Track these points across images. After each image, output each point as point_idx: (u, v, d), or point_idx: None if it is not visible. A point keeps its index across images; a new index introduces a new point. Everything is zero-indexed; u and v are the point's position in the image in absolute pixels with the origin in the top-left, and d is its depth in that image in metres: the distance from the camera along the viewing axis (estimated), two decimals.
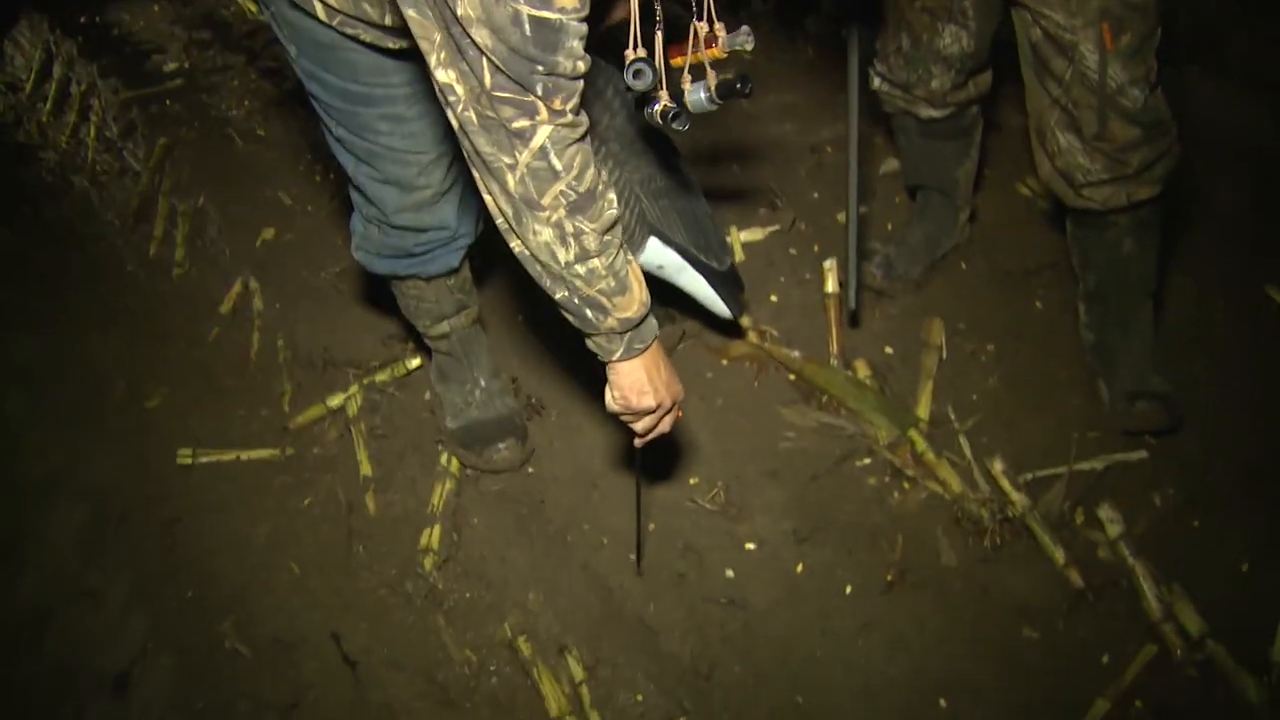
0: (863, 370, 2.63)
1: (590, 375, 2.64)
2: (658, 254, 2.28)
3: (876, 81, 2.60)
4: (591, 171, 1.52)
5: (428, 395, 2.70)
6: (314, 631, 2.33)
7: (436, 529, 2.45)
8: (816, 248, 2.94)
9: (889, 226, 2.98)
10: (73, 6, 4.18)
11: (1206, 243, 2.85)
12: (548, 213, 1.52)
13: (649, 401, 1.77)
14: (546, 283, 1.66)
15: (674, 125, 1.70)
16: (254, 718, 2.21)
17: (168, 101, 3.75)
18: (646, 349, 1.75)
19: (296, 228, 3.22)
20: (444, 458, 2.58)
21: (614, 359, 1.74)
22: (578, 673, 2.21)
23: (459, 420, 2.56)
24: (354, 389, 2.73)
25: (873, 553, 2.34)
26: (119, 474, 2.65)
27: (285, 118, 3.60)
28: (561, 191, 1.50)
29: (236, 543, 2.50)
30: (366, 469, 2.59)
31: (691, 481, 2.48)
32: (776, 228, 3.00)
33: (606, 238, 1.59)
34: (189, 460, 2.64)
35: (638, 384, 1.77)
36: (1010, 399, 2.58)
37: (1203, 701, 2.09)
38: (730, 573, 2.33)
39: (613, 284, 1.63)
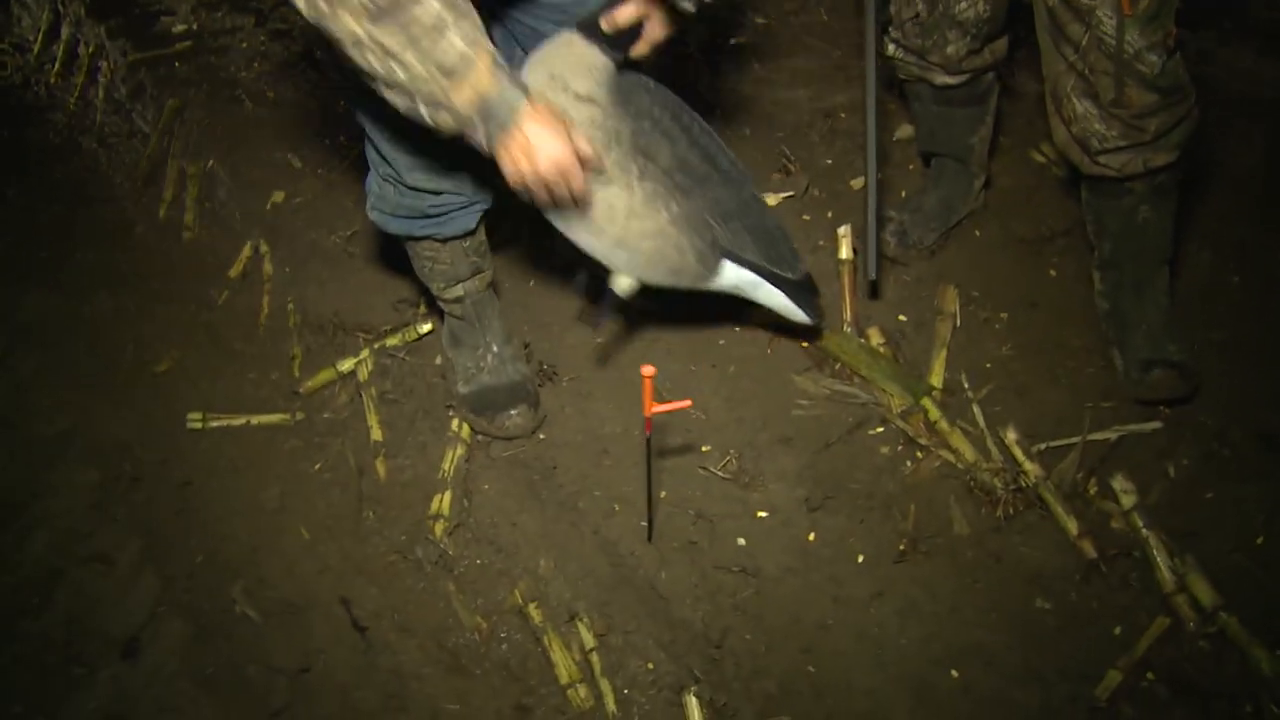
0: (876, 338, 2.62)
1: (604, 342, 2.64)
2: (733, 274, 2.25)
3: (891, 48, 2.57)
4: None
5: (439, 360, 2.69)
6: (324, 596, 2.33)
7: (447, 495, 2.44)
8: (830, 214, 2.92)
9: (903, 194, 2.95)
10: None
11: (1222, 210, 2.82)
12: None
13: (524, 168, 1.82)
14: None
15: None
16: (263, 681, 2.22)
17: (176, 63, 3.73)
18: (512, 126, 1.77)
19: (306, 190, 3.21)
20: (455, 423, 2.57)
21: (485, 148, 1.81)
22: (588, 640, 2.21)
23: (470, 385, 2.55)
24: (365, 353, 2.72)
25: (885, 521, 2.33)
26: (129, 436, 2.65)
27: (295, 80, 3.58)
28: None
29: (247, 507, 2.50)
30: (377, 434, 2.58)
31: (703, 449, 2.47)
32: (790, 193, 2.98)
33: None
34: (199, 424, 2.63)
35: (512, 161, 1.82)
36: (1024, 368, 2.56)
37: (1215, 673, 2.08)
38: (742, 540, 2.33)
39: (442, 80, 1.70)
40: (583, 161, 1.87)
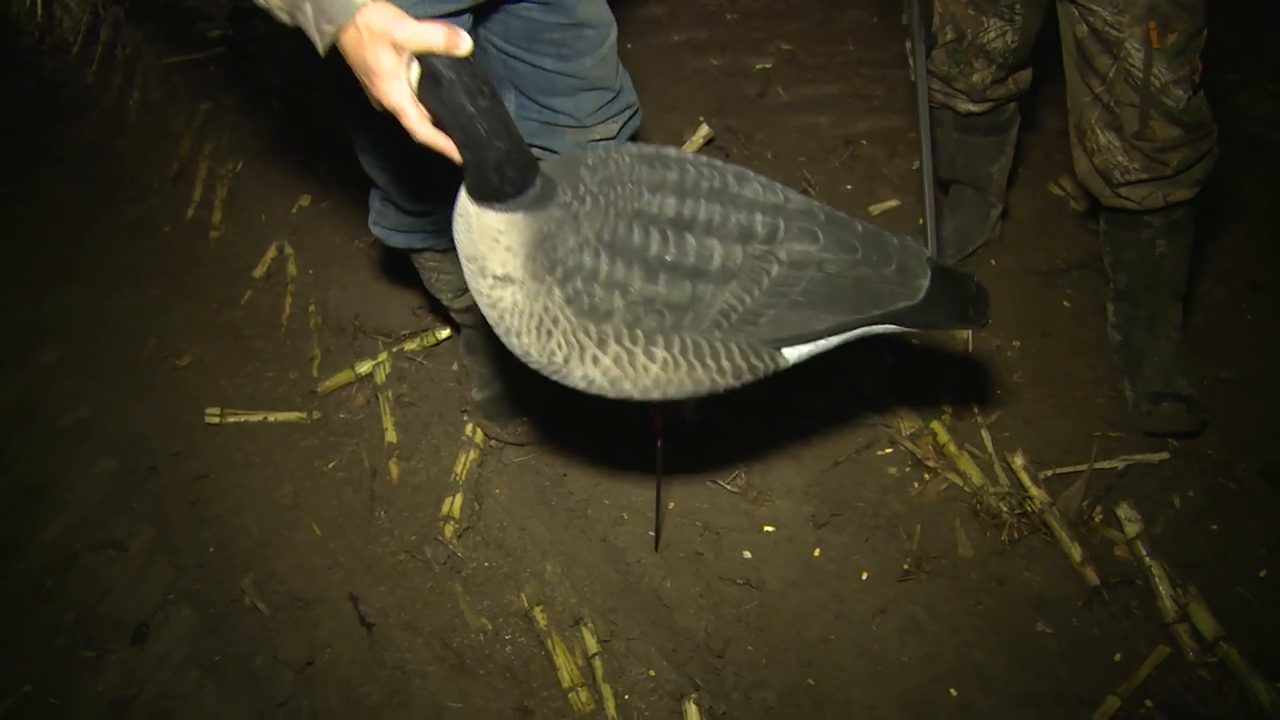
0: (887, 359, 2.64)
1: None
2: (807, 350, 1.71)
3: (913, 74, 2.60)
4: None
5: (455, 366, 2.73)
6: (333, 592, 2.36)
7: (458, 497, 2.47)
8: None
9: (920, 221, 2.97)
10: None
11: (1237, 250, 2.85)
12: None
13: (383, 88, 1.46)
14: None
15: None
16: (270, 673, 2.24)
17: (210, 68, 3.79)
18: (340, 29, 1.45)
19: (333, 195, 3.25)
20: (469, 428, 2.60)
21: (320, 47, 1.49)
22: (592, 645, 2.23)
23: (486, 391, 2.58)
24: (383, 356, 2.76)
25: (890, 541, 2.35)
26: (147, 429, 2.69)
27: (325, 87, 3.63)
28: None
29: (260, 501, 2.53)
30: (392, 436, 2.62)
31: (712, 462, 2.49)
32: None
33: None
34: (217, 419, 2.67)
35: (359, 67, 1.48)
36: (1034, 395, 2.58)
37: (1214, 703, 2.08)
38: (747, 554, 2.35)
39: None
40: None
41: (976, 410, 2.54)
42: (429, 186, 2.13)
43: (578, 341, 1.56)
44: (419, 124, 1.47)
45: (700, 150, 3.21)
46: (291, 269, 3.04)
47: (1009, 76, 2.51)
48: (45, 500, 2.57)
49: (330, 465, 2.59)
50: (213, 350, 2.87)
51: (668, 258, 1.52)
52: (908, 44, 2.44)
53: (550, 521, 2.43)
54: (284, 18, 1.50)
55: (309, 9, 1.45)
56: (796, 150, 3.25)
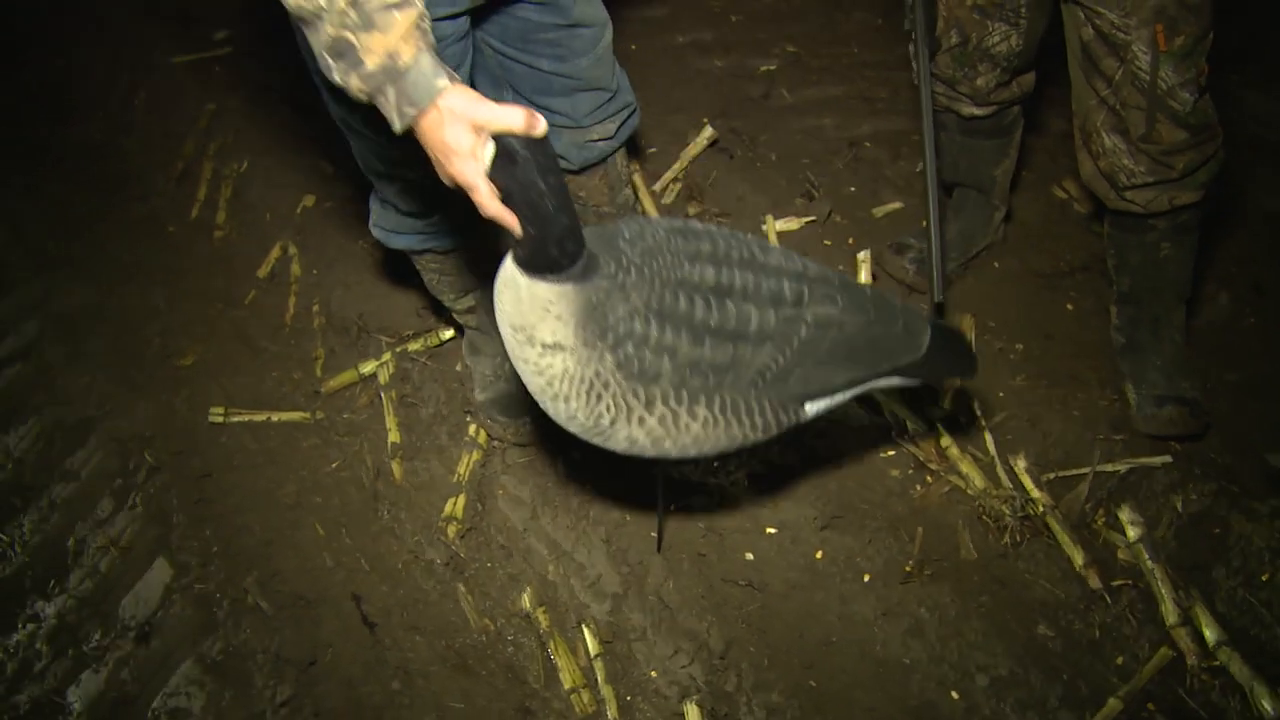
0: None
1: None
2: (824, 404, 1.85)
3: (916, 76, 2.60)
4: None
5: (459, 366, 2.73)
6: (335, 591, 2.37)
7: (461, 498, 2.48)
8: (851, 240, 2.95)
9: (924, 223, 2.97)
10: None
11: (1241, 253, 2.85)
12: None
13: (458, 167, 1.51)
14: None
15: None
16: (272, 671, 2.25)
17: (216, 67, 3.80)
18: (422, 112, 1.49)
19: (337, 195, 3.26)
20: (472, 429, 2.61)
21: (397, 128, 1.52)
22: (594, 646, 2.23)
23: (488, 392, 2.59)
24: (387, 356, 2.76)
25: (893, 543, 2.35)
26: (151, 427, 2.70)
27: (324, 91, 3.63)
28: None
29: (264, 501, 2.53)
30: (395, 436, 2.62)
31: (715, 464, 2.50)
32: (812, 218, 3.01)
33: None
34: (220, 418, 2.68)
35: (437, 147, 1.52)
36: (1036, 398, 2.58)
37: (1216, 707, 2.08)
38: (750, 555, 2.35)
39: (355, 18, 1.46)
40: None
41: (979, 413, 2.54)
42: (425, 189, 2.14)
43: (626, 404, 1.64)
44: (490, 200, 1.51)
45: (704, 152, 3.22)
46: (296, 269, 3.05)
47: (1013, 80, 2.51)
48: (48, 497, 2.58)
49: (334, 465, 2.59)
50: (217, 349, 2.88)
51: (711, 322, 1.62)
52: (911, 47, 2.44)
53: (553, 522, 2.43)
54: (362, 98, 1.53)
55: (392, 94, 1.49)
56: (800, 152, 3.25)
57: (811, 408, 1.82)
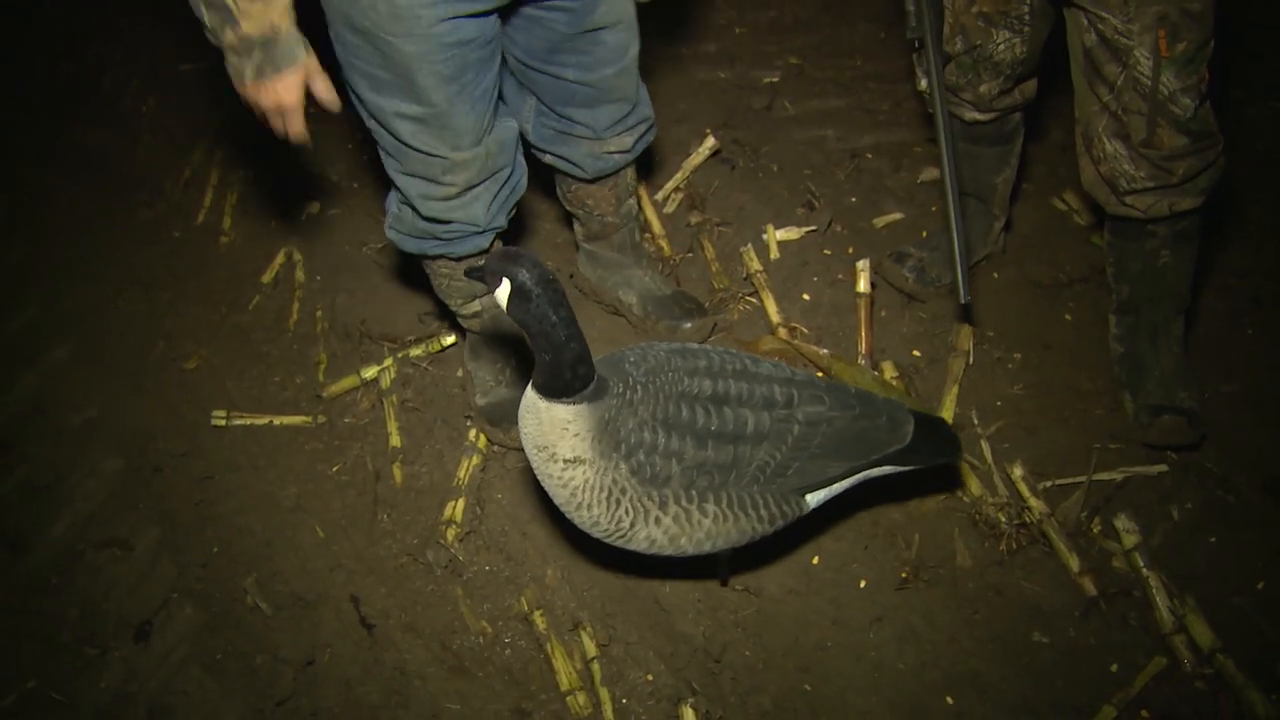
0: (889, 371, 2.65)
1: None
2: (823, 495, 2.03)
3: (924, 83, 2.61)
4: None
5: (460, 372, 2.75)
6: (334, 593, 2.38)
7: (460, 502, 2.49)
8: (851, 249, 2.97)
9: (924, 233, 3.00)
10: None
11: (1241, 265, 2.86)
12: None
13: (265, 103, 1.88)
14: None
15: None
16: (271, 671, 2.26)
17: (225, 75, 3.81)
18: (286, 72, 1.82)
19: (341, 203, 3.29)
20: (472, 433, 2.62)
21: (249, 82, 1.83)
22: (590, 649, 2.24)
23: (489, 397, 2.60)
24: (388, 362, 2.78)
25: (889, 549, 2.36)
26: (154, 429, 2.72)
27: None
28: None
29: (264, 503, 2.55)
30: (396, 440, 2.64)
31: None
32: (813, 228, 3.03)
33: None
34: (223, 421, 2.70)
35: (257, 94, 1.86)
36: (1034, 406, 2.59)
37: (1210, 714, 2.09)
38: (746, 560, 2.36)
39: None
40: (320, 101, 1.91)
41: (976, 421, 2.55)
42: (452, 199, 2.17)
43: (643, 506, 1.82)
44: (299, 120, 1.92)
45: (706, 162, 3.24)
46: (299, 275, 3.07)
47: (1015, 87, 2.52)
48: (52, 497, 2.60)
49: (334, 469, 2.61)
50: (220, 353, 2.90)
51: (713, 427, 1.81)
52: (914, 56, 2.46)
53: (551, 527, 2.45)
54: (221, 45, 1.81)
55: (258, 56, 1.80)
56: (802, 162, 3.27)
57: (813, 499, 2.00)
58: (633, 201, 2.68)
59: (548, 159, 2.50)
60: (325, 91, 1.88)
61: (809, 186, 3.16)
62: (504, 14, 2.08)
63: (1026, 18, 2.35)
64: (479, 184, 2.16)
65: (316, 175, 3.38)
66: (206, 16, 1.75)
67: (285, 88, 1.84)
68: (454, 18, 1.91)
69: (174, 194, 3.42)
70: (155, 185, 3.46)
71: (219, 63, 1.84)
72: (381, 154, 2.17)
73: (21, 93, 3.95)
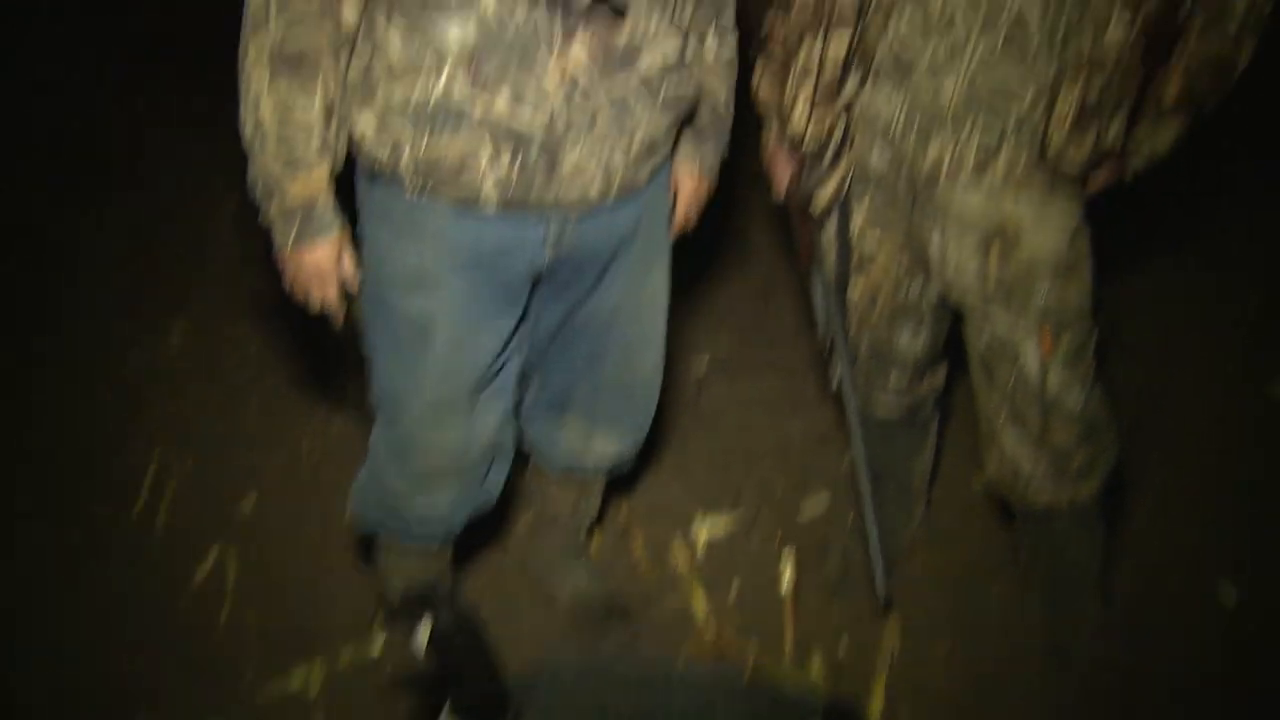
0: (816, 664, 2.65)
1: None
2: None
3: (835, 382, 2.71)
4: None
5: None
6: None
7: None
8: (778, 538, 3.01)
9: (849, 519, 3.04)
10: None
11: (1155, 534, 2.95)
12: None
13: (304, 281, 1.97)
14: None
15: None
16: None
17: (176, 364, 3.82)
18: (320, 242, 1.91)
19: (280, 493, 3.27)
20: None
21: (288, 246, 1.92)
22: None
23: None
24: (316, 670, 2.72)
25: None
26: None
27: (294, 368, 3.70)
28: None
29: None
30: None
31: None
32: (739, 514, 3.08)
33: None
34: None
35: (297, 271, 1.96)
36: (965, 697, 2.58)
37: None
38: None
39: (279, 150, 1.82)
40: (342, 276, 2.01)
41: (906, 712, 2.54)
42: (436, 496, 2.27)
43: None
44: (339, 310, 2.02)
45: None
46: (231, 574, 3.02)
47: (924, 379, 2.63)
48: None
49: None
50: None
51: None
52: (827, 357, 2.57)
53: None
54: (262, 208, 1.92)
55: (298, 223, 1.89)
56: (728, 451, 3.35)
57: None
58: (592, 511, 2.74)
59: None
60: (348, 265, 1.99)
61: (735, 476, 3.23)
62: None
63: (925, 317, 2.47)
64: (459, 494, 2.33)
65: (253, 465, 3.35)
66: (260, 189, 1.88)
67: (324, 254, 1.94)
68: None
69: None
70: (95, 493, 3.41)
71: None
72: (376, 396, 2.27)
73: None
